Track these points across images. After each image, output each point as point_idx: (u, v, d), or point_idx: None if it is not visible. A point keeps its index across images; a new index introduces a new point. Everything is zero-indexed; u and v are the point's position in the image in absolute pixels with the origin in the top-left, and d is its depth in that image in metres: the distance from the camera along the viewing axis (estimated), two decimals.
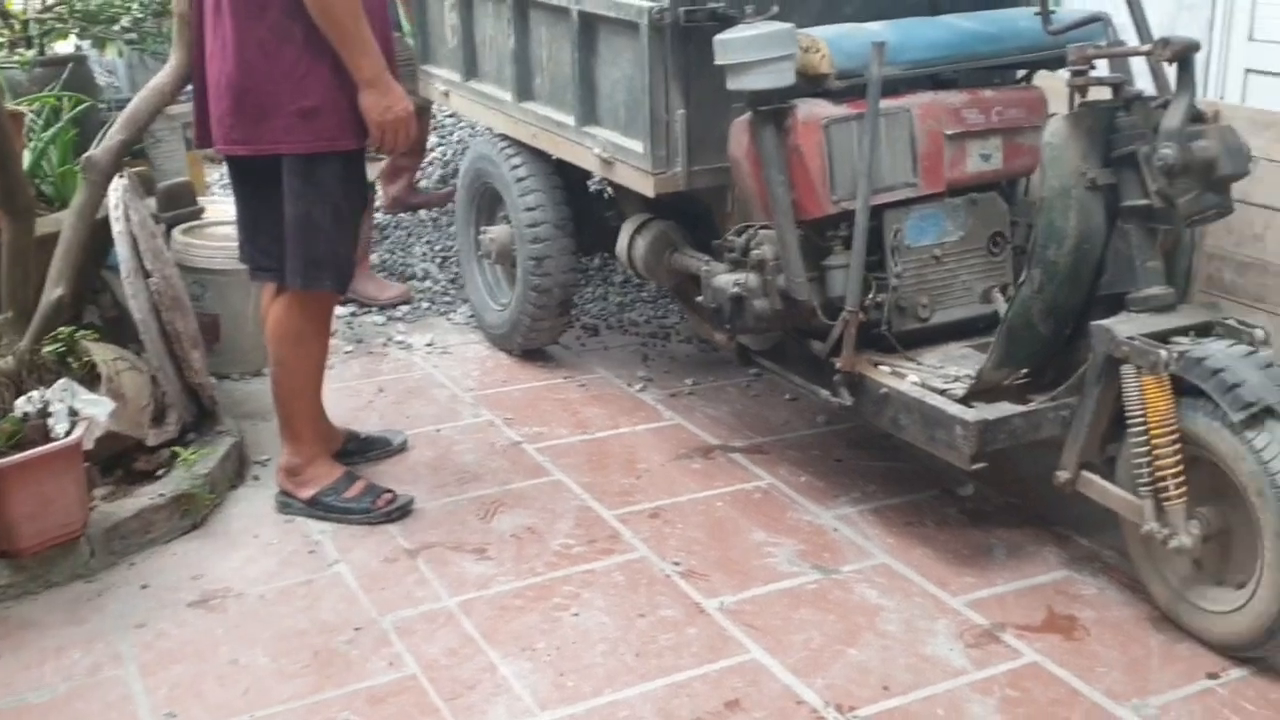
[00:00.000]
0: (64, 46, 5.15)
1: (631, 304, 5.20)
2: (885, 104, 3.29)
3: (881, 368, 3.36)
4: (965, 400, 3.13)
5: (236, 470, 3.75)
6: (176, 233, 4.53)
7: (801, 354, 3.60)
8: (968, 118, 3.40)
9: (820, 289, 3.38)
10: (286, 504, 3.55)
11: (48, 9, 4.67)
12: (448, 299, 5.25)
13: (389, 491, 3.57)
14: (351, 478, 3.59)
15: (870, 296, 3.33)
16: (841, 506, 3.55)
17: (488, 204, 4.75)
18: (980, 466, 3.08)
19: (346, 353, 4.77)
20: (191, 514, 3.47)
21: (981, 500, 3.50)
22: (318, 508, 3.51)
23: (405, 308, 5.15)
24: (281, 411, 3.56)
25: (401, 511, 3.53)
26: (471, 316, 4.99)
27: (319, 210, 3.29)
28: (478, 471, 3.81)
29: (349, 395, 4.36)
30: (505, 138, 4.51)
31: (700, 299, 3.74)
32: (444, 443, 4.01)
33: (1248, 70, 4.40)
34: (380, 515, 3.50)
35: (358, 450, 3.87)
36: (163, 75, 3.62)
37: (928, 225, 3.40)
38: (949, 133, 3.38)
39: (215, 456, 3.65)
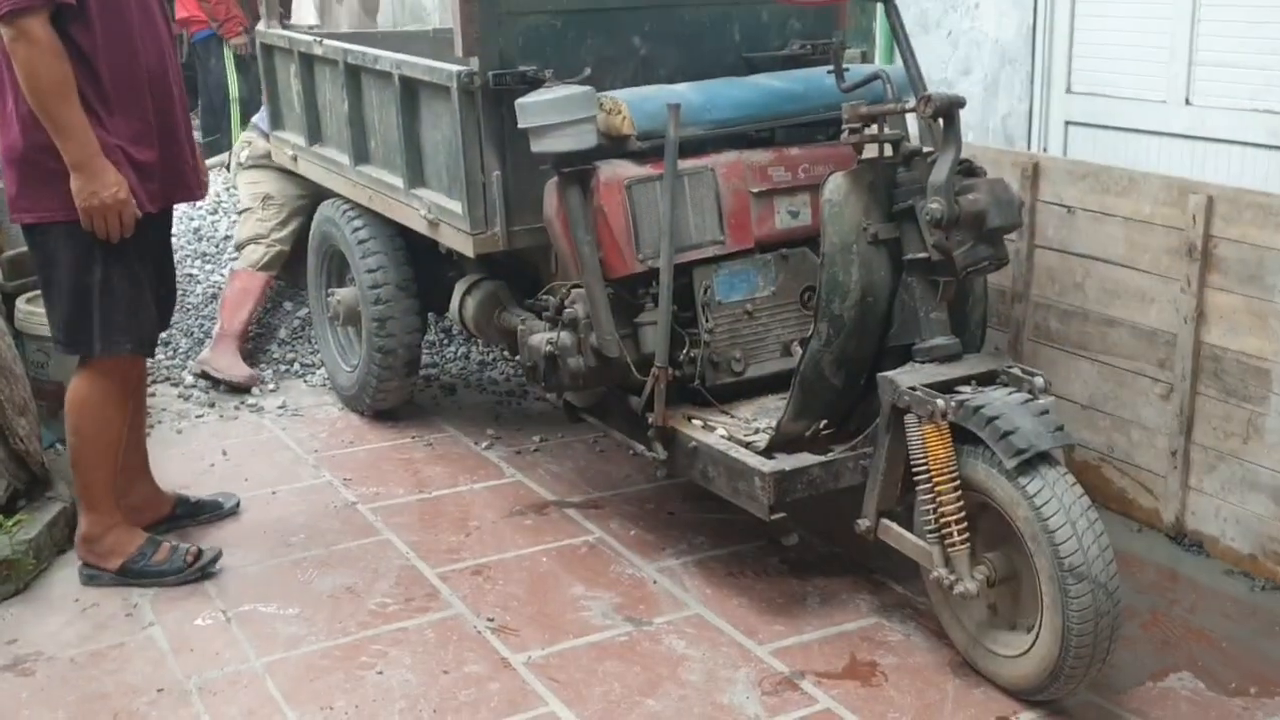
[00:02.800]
0: None
1: (493, 362, 5.19)
2: (689, 163, 3.33)
3: (695, 421, 3.37)
4: (767, 452, 3.14)
5: (66, 535, 3.68)
6: (20, 301, 4.47)
7: (622, 409, 3.60)
8: (774, 175, 3.44)
9: (633, 346, 3.39)
10: (94, 576, 3.49)
11: None
12: (306, 361, 5.20)
13: (195, 549, 3.53)
14: (155, 542, 3.55)
15: (683, 352, 3.35)
16: (666, 559, 3.55)
17: (335, 266, 4.74)
18: (779, 516, 3.10)
19: (197, 417, 4.72)
20: (13, 580, 3.43)
21: (805, 550, 3.52)
22: (128, 575, 3.47)
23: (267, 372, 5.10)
24: (79, 481, 3.50)
25: (212, 564, 3.50)
26: (326, 378, 4.95)
27: (75, 279, 3.29)
28: (308, 533, 3.78)
29: (192, 459, 4.32)
30: (347, 201, 4.51)
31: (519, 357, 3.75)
32: (278, 505, 3.98)
33: (1067, 122, 4.50)
34: (195, 572, 3.47)
35: (187, 514, 3.83)
36: None
37: (738, 281, 3.43)
38: (755, 190, 3.42)
39: (42, 523, 3.60)
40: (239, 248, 5.26)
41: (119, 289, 3.34)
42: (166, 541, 3.55)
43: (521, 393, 4.87)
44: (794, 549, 3.37)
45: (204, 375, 4.95)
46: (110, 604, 3.38)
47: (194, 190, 3.52)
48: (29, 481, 3.79)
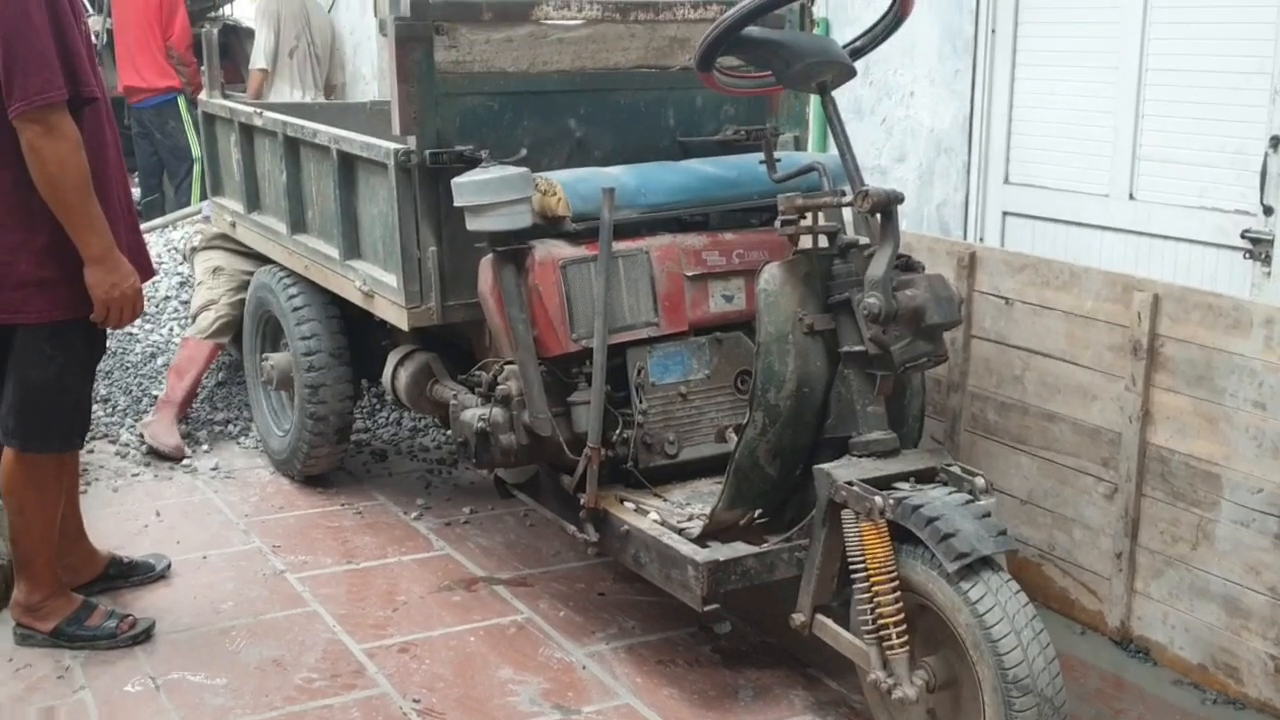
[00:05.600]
0: None
1: (424, 429, 4.91)
2: (624, 245, 3.11)
3: (627, 504, 3.13)
4: (700, 540, 2.91)
5: (2, 594, 3.41)
6: None
7: (553, 488, 3.36)
8: (708, 259, 3.23)
9: (566, 424, 3.15)
10: (27, 636, 3.27)
11: None
12: (240, 423, 4.91)
13: (129, 616, 3.33)
14: (90, 606, 3.33)
15: (616, 432, 3.12)
16: (596, 643, 3.29)
17: (270, 332, 4.47)
18: (713, 608, 2.84)
19: (134, 475, 4.44)
20: None
21: (738, 638, 3.26)
22: (61, 638, 3.25)
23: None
24: (18, 554, 3.28)
25: (145, 635, 3.30)
26: (259, 441, 4.66)
27: (60, 375, 3.09)
28: (236, 600, 3.52)
29: (126, 519, 4.06)
30: (284, 268, 4.25)
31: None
32: (208, 570, 3.71)
33: (1005, 213, 4.31)
34: (125, 639, 3.27)
35: (120, 575, 3.61)
36: None
37: (672, 363, 3.20)
38: (689, 274, 3.21)
39: None
40: (192, 318, 4.97)
41: (76, 387, 3.15)
42: (101, 606, 3.34)
43: (452, 461, 4.59)
44: (726, 637, 3.12)
45: (141, 439, 4.66)
46: (43, 665, 3.17)
47: (147, 272, 3.29)
48: None
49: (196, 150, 6.86)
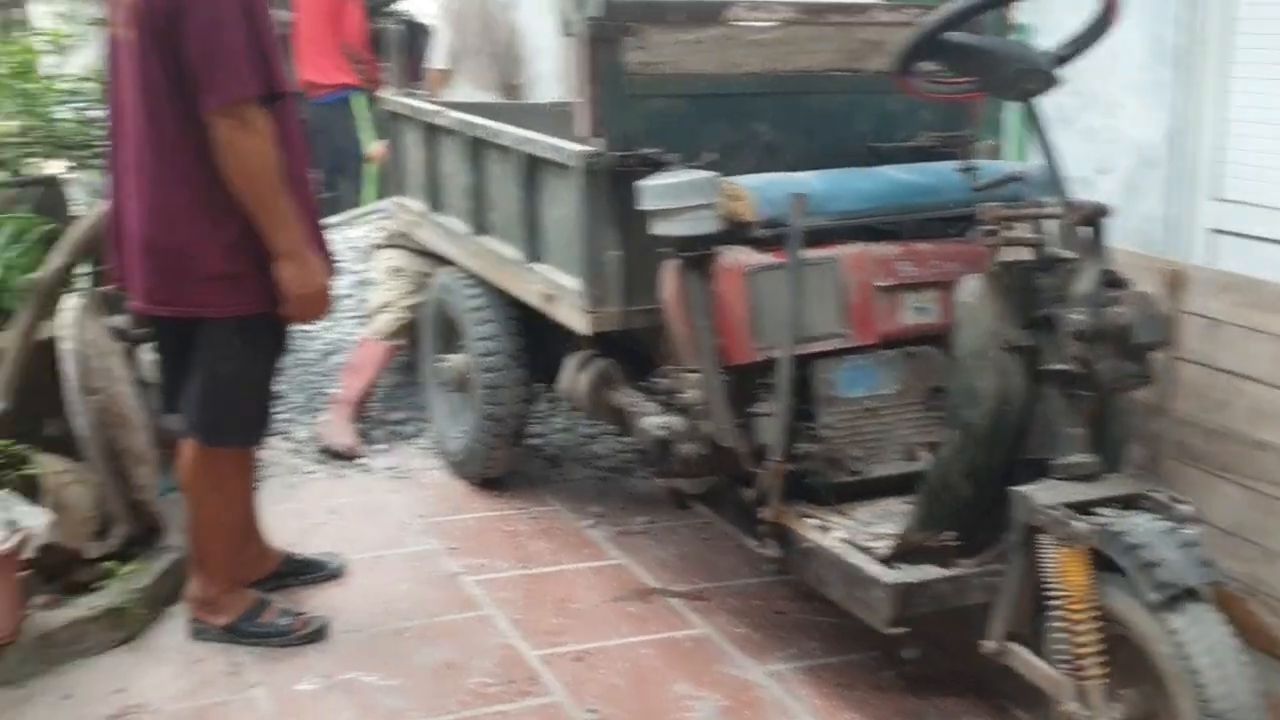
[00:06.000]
0: (53, 168, 5.03)
1: (598, 436, 4.92)
2: (812, 254, 3.06)
3: (809, 520, 3.07)
4: (888, 561, 2.84)
5: (175, 586, 3.51)
6: (143, 350, 4.34)
7: (733, 500, 3.32)
8: (901, 270, 3.15)
9: (747, 436, 3.12)
10: (202, 631, 3.35)
11: (24, 133, 4.56)
12: (415, 423, 5.01)
13: (303, 613, 3.39)
14: (264, 603, 3.39)
15: (799, 446, 3.07)
16: (775, 662, 3.24)
17: (448, 333, 4.55)
18: (899, 631, 2.78)
19: (308, 473, 4.55)
20: (124, 627, 3.31)
21: (924, 664, 3.16)
22: (235, 634, 3.31)
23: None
24: (195, 548, 3.34)
25: (318, 634, 3.34)
26: (435, 442, 4.75)
27: (244, 369, 3.16)
28: (410, 602, 3.56)
29: (300, 517, 4.14)
30: (464, 269, 4.32)
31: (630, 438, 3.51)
32: (383, 570, 3.77)
33: (1213, 230, 4.09)
34: (298, 638, 3.31)
35: (293, 573, 3.67)
36: (106, 205, 3.46)
37: (860, 376, 3.13)
38: (880, 284, 3.13)
39: (154, 572, 3.47)
40: (370, 318, 5.09)
41: (260, 382, 3.22)
42: (275, 603, 3.40)
43: (626, 470, 4.61)
44: (912, 663, 3.04)
45: (315, 436, 4.79)
46: (216, 661, 3.24)
47: (329, 270, 3.35)
48: (144, 530, 3.66)
49: (371, 149, 7.02)
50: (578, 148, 3.39)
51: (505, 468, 4.38)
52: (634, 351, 3.81)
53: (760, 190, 3.11)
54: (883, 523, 3.00)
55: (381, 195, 6.93)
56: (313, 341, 5.51)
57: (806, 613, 3.49)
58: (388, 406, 5.10)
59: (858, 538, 2.96)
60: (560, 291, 3.62)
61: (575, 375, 3.82)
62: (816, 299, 3.07)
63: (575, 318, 3.56)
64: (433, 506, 4.28)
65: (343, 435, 4.72)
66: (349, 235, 5.98)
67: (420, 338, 4.75)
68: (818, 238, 3.10)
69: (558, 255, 3.66)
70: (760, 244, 3.11)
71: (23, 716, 2.95)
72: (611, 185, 3.36)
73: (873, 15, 3.51)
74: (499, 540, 4.01)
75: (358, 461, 4.65)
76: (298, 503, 4.27)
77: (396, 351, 5.00)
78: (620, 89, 3.32)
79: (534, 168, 3.70)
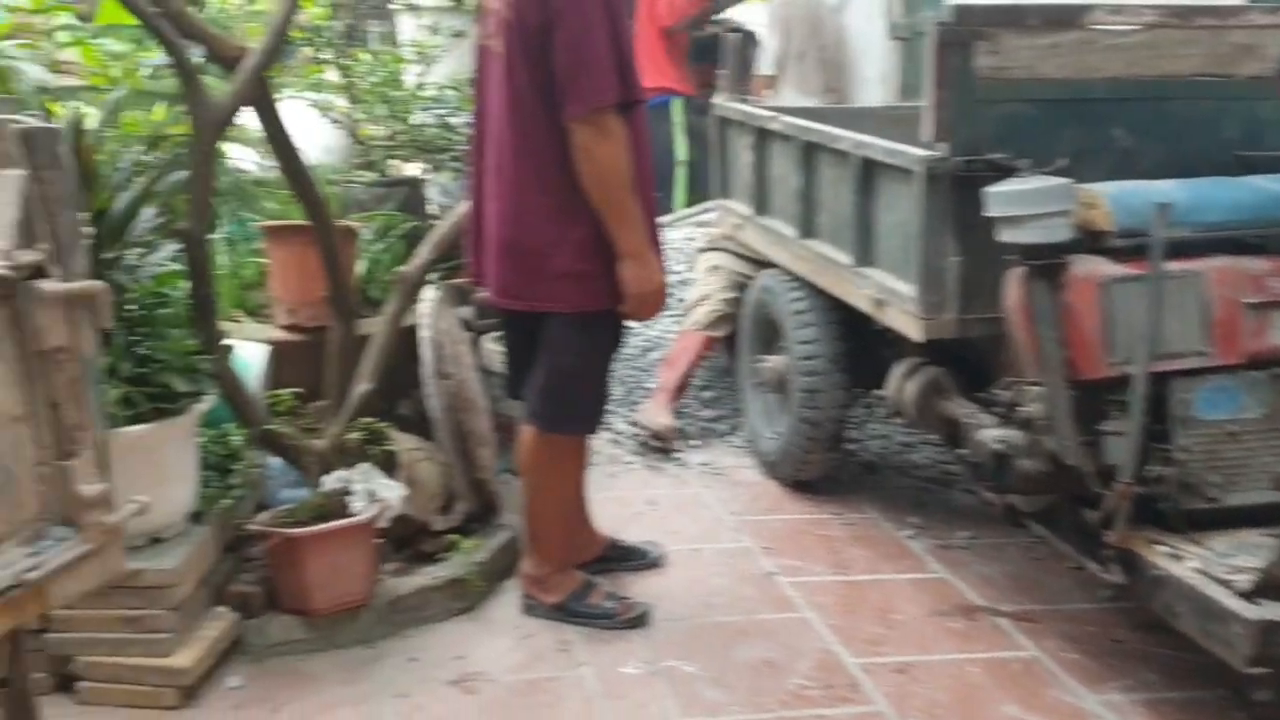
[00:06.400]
0: (412, 169, 5.39)
1: (916, 445, 4.86)
2: (1174, 266, 2.90)
3: (1160, 547, 2.92)
4: (1250, 596, 2.66)
5: (510, 563, 3.72)
6: (486, 340, 4.59)
7: (1073, 521, 3.19)
8: (1272, 286, 2.96)
9: (1093, 455, 2.99)
10: (532, 608, 3.51)
11: (391, 137, 4.90)
12: (728, 421, 5.08)
13: (627, 598, 3.50)
14: (592, 585, 3.52)
15: (1150, 468, 2.93)
16: (1110, 691, 3.10)
17: (767, 334, 4.58)
18: (1258, 671, 2.60)
19: (626, 463, 4.69)
20: (464, 598, 3.51)
21: (1277, 709, 2.97)
22: (563, 613, 3.46)
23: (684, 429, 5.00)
24: (531, 528, 3.51)
25: (640, 620, 3.45)
26: (748, 441, 4.80)
27: (585, 362, 3.28)
28: (728, 597, 3.62)
29: (620, 505, 4.27)
30: (788, 272, 4.34)
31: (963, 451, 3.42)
32: (699, 563, 3.85)
33: None
34: (621, 622, 3.42)
35: (616, 559, 3.79)
36: (468, 205, 3.68)
37: (1222, 398, 2.96)
38: (1249, 301, 2.95)
39: (491, 548, 3.68)
40: (687, 312, 5.20)
41: (597, 374, 3.34)
42: (601, 586, 3.53)
43: (947, 481, 4.52)
44: (1266, 705, 2.84)
45: (634, 423, 4.93)
46: (546, 636, 3.38)
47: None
48: (482, 507, 3.88)
49: (683, 153, 7.16)
50: (920, 152, 3.34)
51: (819, 472, 4.38)
52: (966, 361, 3.73)
53: (1118, 198, 2.98)
54: (1243, 555, 2.82)
55: (692, 200, 7.07)
56: (633, 338, 5.68)
57: (1145, 643, 3.32)
58: (702, 404, 5.19)
59: (1214, 569, 2.79)
60: (892, 297, 3.58)
61: (902, 382, 3.78)
62: (1177, 314, 2.92)
63: (907, 324, 3.52)
64: (746, 505, 4.33)
65: (660, 416, 4.82)
66: (670, 237, 6.11)
67: (739, 337, 4.80)
68: (1179, 250, 2.95)
69: (891, 260, 3.62)
70: (1115, 254, 2.98)
71: (374, 674, 3.18)
72: (953, 191, 3.30)
73: (1247, 18, 3.30)
74: (814, 544, 4.01)
75: (674, 456, 4.75)
76: (618, 492, 4.42)
77: (713, 343, 5.06)
78: (968, 94, 3.25)
79: (870, 172, 3.68)
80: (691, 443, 4.88)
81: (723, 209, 4.99)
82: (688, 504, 4.33)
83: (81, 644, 2.99)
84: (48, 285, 1.86)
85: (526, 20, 3.00)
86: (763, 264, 4.59)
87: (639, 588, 3.64)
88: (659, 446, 4.80)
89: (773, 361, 4.43)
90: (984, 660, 3.27)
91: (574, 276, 3.16)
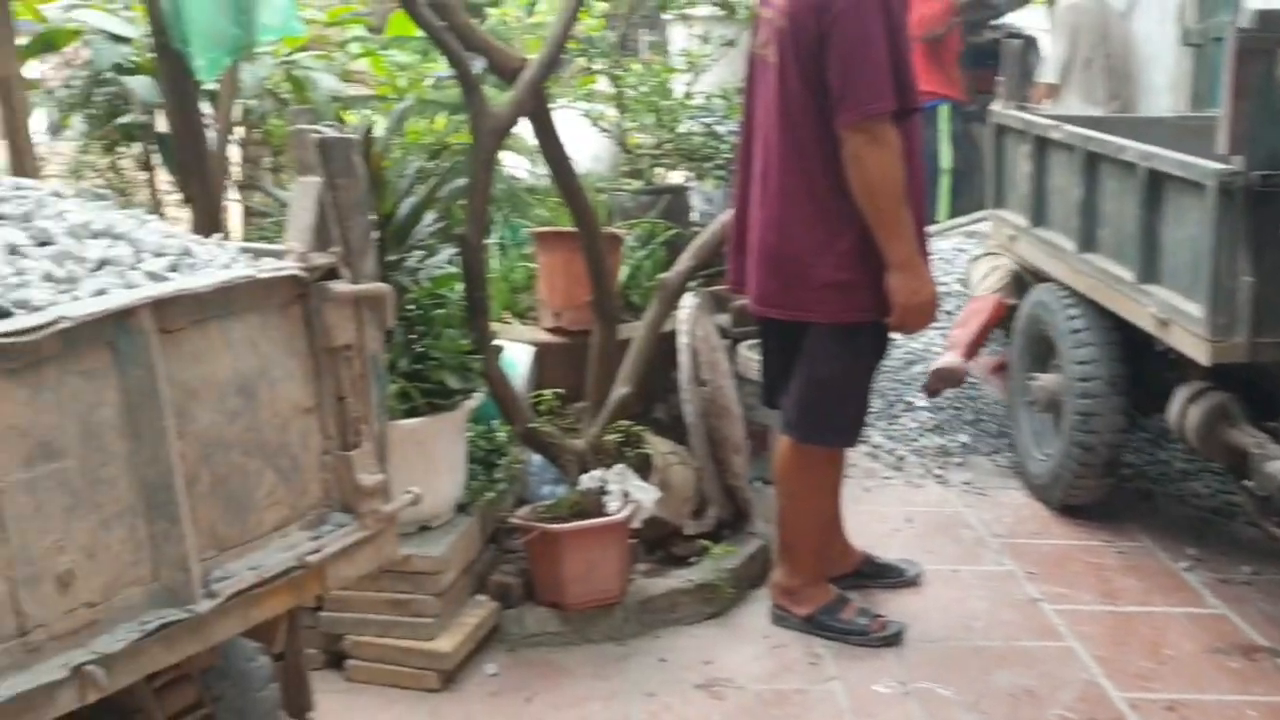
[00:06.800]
0: (676, 177, 5.49)
1: (1196, 472, 4.58)
2: None
3: None
4: None
5: (760, 571, 3.73)
6: (743, 347, 4.61)
7: None
8: None
9: None
10: (782, 618, 3.50)
11: (658, 146, 5.00)
12: (991, 440, 4.92)
13: (881, 616, 3.44)
14: (844, 599, 3.49)
15: None
16: None
17: (1041, 351, 4.41)
18: None
19: (884, 478, 4.62)
20: (713, 603, 3.55)
21: None
22: (814, 625, 3.44)
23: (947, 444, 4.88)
24: (784, 537, 3.50)
25: (894, 638, 3.39)
26: (1014, 461, 4.64)
27: (846, 373, 3.25)
28: (986, 621, 3.52)
29: (877, 520, 4.21)
30: (1065, 287, 4.17)
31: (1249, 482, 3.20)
32: (958, 585, 3.75)
33: None
34: (876, 639, 3.38)
35: (872, 575, 3.74)
36: (730, 214, 3.71)
37: None
38: None
39: (742, 555, 3.70)
40: (972, 289, 5.02)
41: (863, 388, 3.31)
42: (854, 601, 3.49)
43: (1229, 512, 4.24)
44: None
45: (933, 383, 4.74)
46: (796, 647, 3.37)
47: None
48: (734, 514, 3.90)
49: (947, 161, 6.99)
50: (1214, 165, 3.16)
51: (1091, 497, 4.18)
52: (1256, 387, 3.50)
53: None
54: None
55: (954, 210, 6.89)
56: (896, 349, 5.58)
57: None
58: (963, 424, 5.05)
59: None
60: (1177, 316, 3.39)
61: (1185, 407, 3.57)
62: None
63: (1193, 346, 3.32)
64: (1010, 527, 4.19)
65: (948, 360, 4.66)
66: (939, 247, 5.99)
67: (1011, 352, 4.64)
68: None
69: (1177, 278, 3.43)
70: None
71: (624, 671, 3.24)
72: (1248, 206, 3.11)
73: None
74: (1082, 570, 3.84)
75: (935, 471, 4.63)
76: (875, 506, 4.35)
77: (1003, 309, 4.80)
78: (1269, 104, 3.05)
79: (1157, 185, 3.50)
80: (954, 460, 4.75)
81: (996, 219, 4.85)
82: (948, 523, 4.23)
83: (352, 624, 3.17)
84: (338, 286, 1.98)
85: (803, 29, 3.00)
86: (1040, 278, 4.42)
87: (893, 605, 3.58)
88: (937, 387, 4.63)
89: (1045, 380, 4.26)
90: (1265, 704, 3.06)
91: (837, 286, 3.13)
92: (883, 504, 4.38)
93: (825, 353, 3.22)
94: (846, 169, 3.02)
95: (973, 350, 4.78)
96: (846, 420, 3.35)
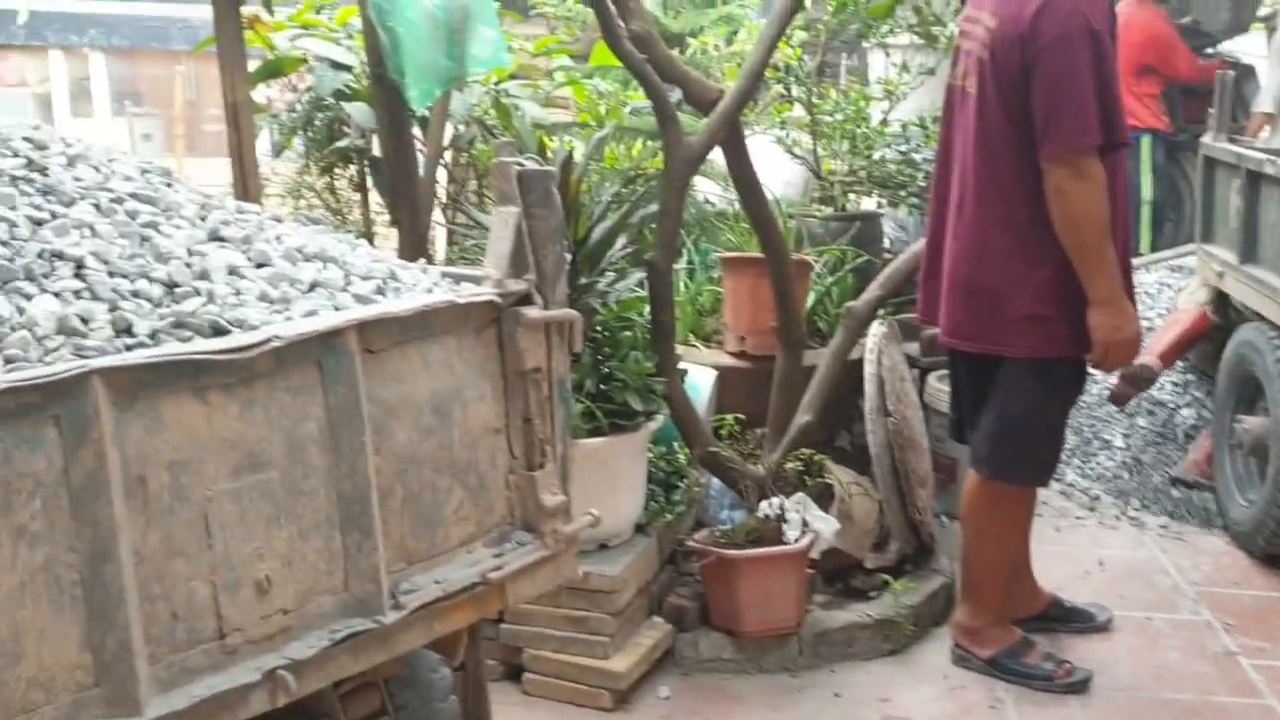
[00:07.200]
0: (868, 204, 5.43)
1: None
2: None
3: None
4: None
5: (942, 609, 3.66)
6: (932, 378, 4.53)
7: None
8: None
9: None
10: (964, 659, 3.42)
11: (852, 173, 4.96)
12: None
13: (1067, 662, 3.33)
14: (1029, 643, 3.39)
15: None
16: None
17: (1247, 392, 4.20)
18: None
19: (1077, 518, 4.49)
20: (892, 639, 3.51)
21: None
22: (996, 668, 3.35)
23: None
24: (968, 576, 3.42)
25: (1081, 685, 3.28)
26: (1215, 505, 4.42)
27: (1041, 410, 3.17)
28: (1178, 672, 3.38)
29: (1067, 562, 4.09)
30: (1275, 327, 3.97)
31: None
32: (1150, 633, 3.61)
33: None
34: (1061, 685, 3.28)
35: (1059, 618, 3.63)
36: (923, 243, 3.65)
37: None
38: None
39: (924, 591, 3.65)
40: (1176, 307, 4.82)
41: (1058, 425, 3.23)
42: (1040, 645, 3.39)
43: None
44: None
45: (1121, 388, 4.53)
46: (976, 690, 3.30)
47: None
48: (917, 548, 3.84)
49: (1148, 193, 6.72)
50: None
51: None
52: None
53: None
54: None
55: (1155, 243, 6.61)
56: (1093, 385, 5.39)
57: None
58: (1155, 466, 4.83)
59: None
60: None
61: None
62: None
63: None
64: (1209, 575, 4.01)
65: (1144, 360, 4.44)
66: (1143, 281, 5.75)
67: (1215, 394, 4.43)
68: None
69: None
70: None
71: (797, 704, 3.22)
72: None
73: None
74: None
75: (1130, 513, 4.46)
76: (1065, 547, 4.22)
77: (1206, 323, 4.58)
78: None
79: None
80: (1150, 505, 4.56)
81: (1203, 253, 4.64)
82: (1142, 568, 4.07)
83: (530, 637, 3.23)
84: (531, 312, 2.04)
85: (1006, 60, 2.95)
86: (1243, 315, 4.20)
87: (1081, 651, 3.47)
88: (1125, 392, 4.45)
89: (1251, 423, 4.07)
90: None
91: (1035, 320, 3.06)
92: (1074, 545, 4.25)
93: (1020, 388, 3.15)
94: (1049, 202, 2.95)
95: (1169, 357, 4.58)
96: (1040, 458, 3.26)
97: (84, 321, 1.60)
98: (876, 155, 4.95)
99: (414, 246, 3.46)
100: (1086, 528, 4.40)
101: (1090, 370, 3.22)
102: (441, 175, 4.42)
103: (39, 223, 1.74)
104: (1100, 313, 2.99)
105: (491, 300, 2.00)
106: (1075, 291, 3.00)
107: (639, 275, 3.50)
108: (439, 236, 4.67)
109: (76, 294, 1.64)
